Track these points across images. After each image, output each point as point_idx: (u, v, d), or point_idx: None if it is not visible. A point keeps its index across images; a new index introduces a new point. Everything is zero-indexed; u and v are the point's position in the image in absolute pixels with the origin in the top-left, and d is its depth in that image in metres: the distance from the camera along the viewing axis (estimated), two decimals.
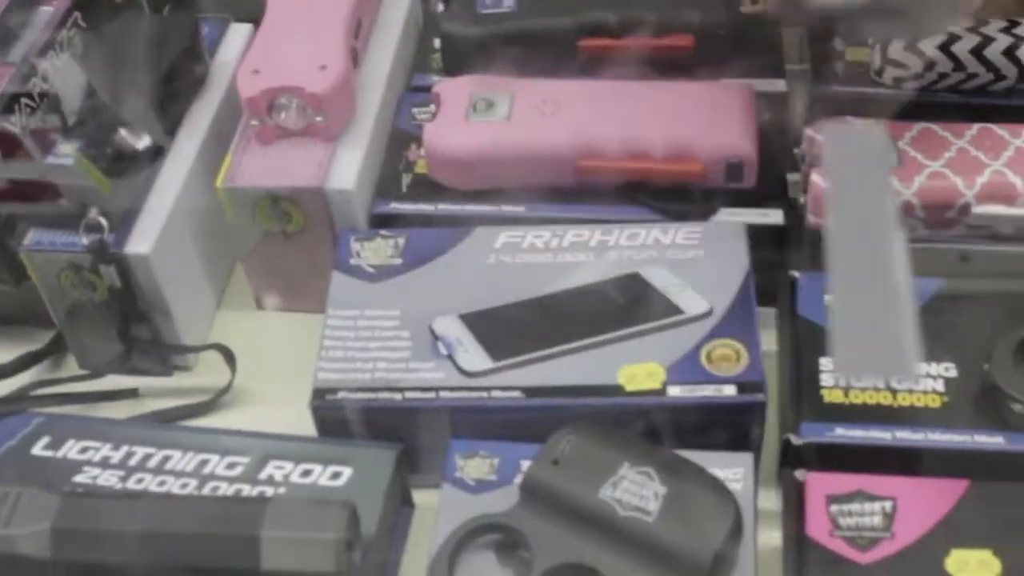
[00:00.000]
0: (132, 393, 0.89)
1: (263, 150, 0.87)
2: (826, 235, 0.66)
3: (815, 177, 0.79)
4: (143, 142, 0.89)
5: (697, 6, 0.93)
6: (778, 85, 0.91)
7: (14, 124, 0.88)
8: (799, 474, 0.70)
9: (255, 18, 0.94)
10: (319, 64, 0.86)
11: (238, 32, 0.98)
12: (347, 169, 0.85)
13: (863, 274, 0.57)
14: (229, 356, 0.86)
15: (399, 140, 0.91)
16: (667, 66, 0.91)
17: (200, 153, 0.90)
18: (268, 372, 0.88)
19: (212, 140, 0.91)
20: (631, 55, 0.91)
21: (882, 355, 0.58)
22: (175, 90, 0.91)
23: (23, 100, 0.89)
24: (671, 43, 0.92)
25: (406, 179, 0.88)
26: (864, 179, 0.59)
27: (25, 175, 0.85)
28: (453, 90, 0.88)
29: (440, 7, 0.96)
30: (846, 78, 0.91)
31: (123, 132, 0.90)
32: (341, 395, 0.76)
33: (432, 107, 0.88)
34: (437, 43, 0.96)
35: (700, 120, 0.84)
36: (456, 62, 0.94)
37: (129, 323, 0.86)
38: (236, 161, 0.87)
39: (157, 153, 0.89)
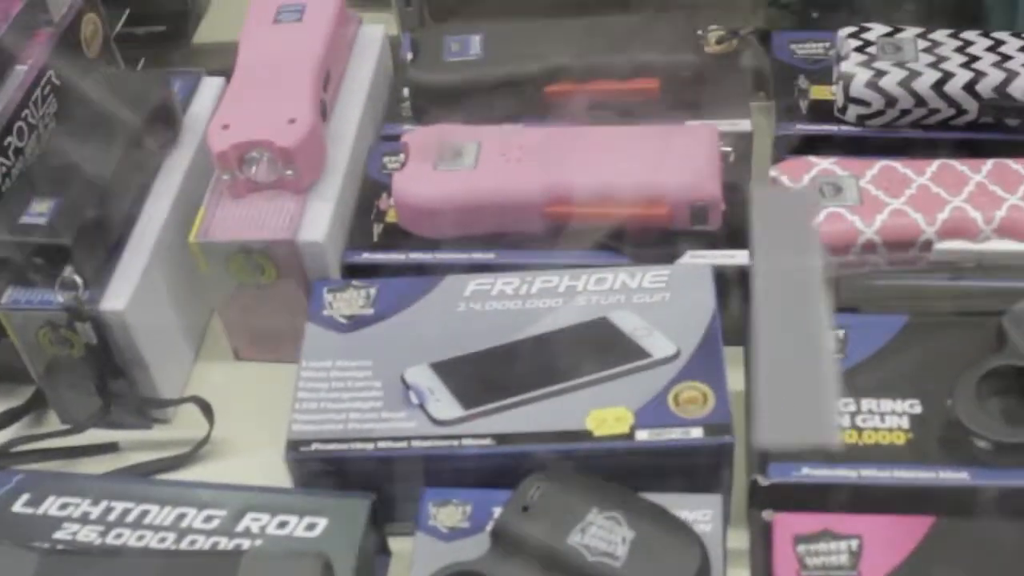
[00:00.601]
0: (112, 448, 0.89)
1: (235, 204, 0.88)
2: (751, 300, 0.67)
3: None
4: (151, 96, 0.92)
5: (662, 49, 0.94)
6: (743, 125, 0.92)
7: None
8: (766, 515, 0.71)
9: (229, 70, 0.95)
10: (288, 118, 0.87)
11: (210, 85, 0.99)
12: (318, 221, 0.86)
13: (786, 341, 0.58)
14: (207, 409, 0.87)
15: (370, 189, 0.92)
16: (633, 109, 0.93)
17: (174, 207, 0.91)
18: (246, 422, 0.89)
19: (186, 194, 0.92)
20: (597, 100, 0.92)
21: (803, 426, 0.58)
22: (148, 145, 0.93)
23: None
24: (637, 87, 0.93)
25: (377, 228, 0.89)
26: (790, 243, 0.59)
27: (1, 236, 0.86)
28: (421, 140, 0.89)
29: (409, 56, 0.97)
30: (810, 116, 0.92)
31: (130, 88, 0.94)
32: (315, 447, 0.77)
33: (402, 156, 0.89)
34: (406, 92, 0.97)
35: (665, 164, 0.85)
36: (425, 110, 0.95)
37: (107, 378, 0.87)
38: (209, 215, 0.88)
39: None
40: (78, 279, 0.85)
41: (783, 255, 0.60)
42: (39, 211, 0.86)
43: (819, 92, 0.93)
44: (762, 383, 0.61)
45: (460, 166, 0.87)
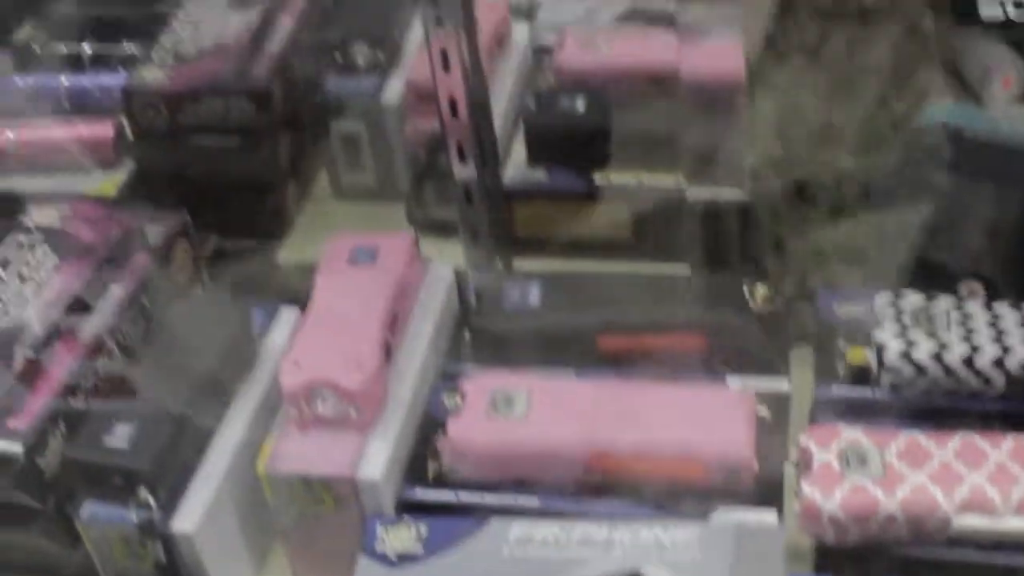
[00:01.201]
0: None
1: (301, 436, 0.95)
2: None
3: (804, 487, 0.85)
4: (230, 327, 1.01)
5: (710, 305, 1.00)
6: (782, 385, 0.97)
7: (79, 401, 0.97)
8: None
9: (308, 289, 1.03)
10: (354, 360, 0.94)
11: (288, 316, 1.06)
12: (376, 459, 0.92)
13: None
14: None
15: (429, 425, 0.98)
16: (679, 361, 0.98)
17: (246, 433, 0.97)
18: None
19: (258, 421, 0.98)
20: (646, 352, 0.98)
21: None
22: (226, 371, 1.00)
23: (90, 376, 0.98)
24: (683, 343, 0.99)
25: (432, 466, 0.95)
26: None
27: (85, 456, 0.93)
28: (476, 387, 0.95)
29: (473, 300, 1.04)
30: (847, 380, 0.97)
31: (211, 316, 1.02)
32: None
33: (458, 399, 0.96)
34: (468, 335, 1.03)
35: (702, 426, 0.90)
36: (485, 354, 1.02)
37: None
38: (276, 445, 0.94)
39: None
40: (152, 500, 0.91)
41: None
42: (121, 434, 0.93)
43: (856, 355, 0.98)
44: None
45: (511, 415, 0.93)
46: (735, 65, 1.05)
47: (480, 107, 1.07)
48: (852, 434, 0.89)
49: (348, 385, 0.92)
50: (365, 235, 1.05)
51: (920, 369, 0.93)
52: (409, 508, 0.93)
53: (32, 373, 0.97)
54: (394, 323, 0.99)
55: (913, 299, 0.97)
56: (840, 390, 0.96)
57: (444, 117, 1.05)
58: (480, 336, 1.02)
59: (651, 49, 1.22)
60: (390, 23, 1.28)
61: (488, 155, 1.10)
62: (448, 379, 1.01)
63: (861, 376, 0.97)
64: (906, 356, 0.93)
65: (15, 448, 0.92)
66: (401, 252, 1.03)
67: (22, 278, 1.04)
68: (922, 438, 0.89)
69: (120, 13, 1.44)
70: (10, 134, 1.35)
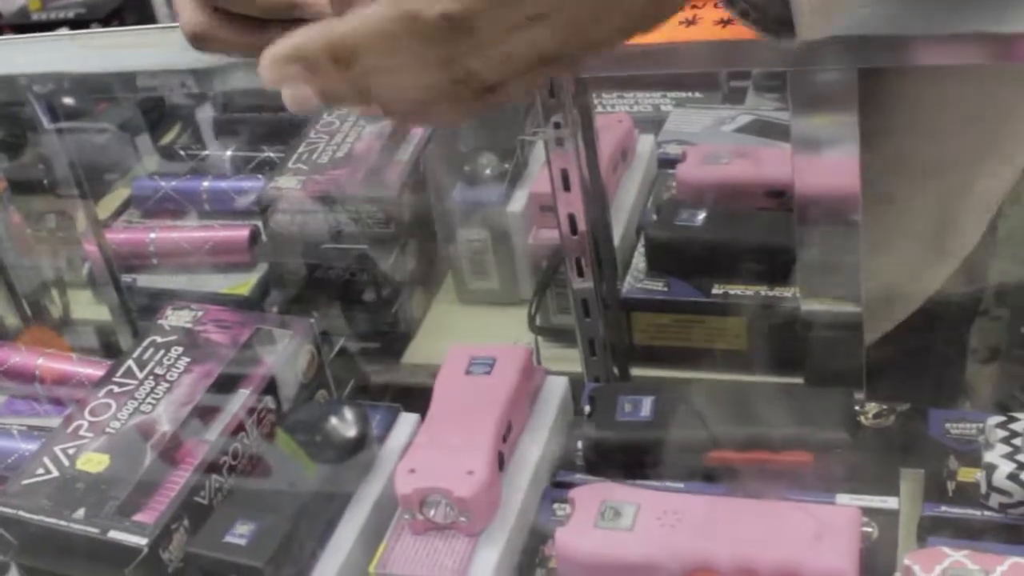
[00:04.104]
0: None
1: (413, 539, 0.97)
2: None
3: None
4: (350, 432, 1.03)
5: (821, 421, 1.01)
6: (891, 503, 0.97)
7: (203, 498, 1.01)
8: None
9: (429, 390, 1.06)
10: (467, 469, 0.96)
11: (407, 421, 1.09)
12: (485, 565, 0.95)
13: None
14: None
15: (538, 534, 1.00)
16: (788, 476, 0.99)
17: (360, 535, 1.00)
18: None
19: (373, 523, 1.01)
20: (753, 467, 0.99)
21: None
22: (344, 474, 1.03)
23: (214, 476, 1.02)
24: (792, 459, 0.99)
25: (541, 573, 0.97)
26: None
27: (205, 551, 0.97)
28: (585, 497, 0.97)
29: (586, 410, 1.06)
30: (956, 498, 0.97)
31: (333, 421, 1.03)
32: None
33: (568, 508, 0.98)
34: (580, 444, 1.05)
35: (806, 541, 0.91)
36: (596, 463, 1.04)
37: None
38: (389, 548, 0.97)
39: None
40: None
41: None
42: (240, 532, 0.97)
43: (966, 474, 0.98)
44: None
45: (618, 527, 0.94)
46: (851, 178, 1.06)
47: (599, 224, 1.09)
48: (956, 557, 0.89)
49: (460, 494, 0.95)
50: (483, 346, 1.08)
51: None
52: None
53: (160, 470, 1.01)
54: (508, 433, 1.02)
55: None
56: (949, 510, 0.97)
57: (563, 234, 1.08)
58: (592, 446, 1.04)
59: (769, 163, 1.24)
60: (516, 135, 1.32)
61: (607, 269, 1.12)
62: (559, 488, 1.04)
63: (971, 496, 0.97)
64: (1015, 478, 0.93)
65: (140, 541, 0.95)
66: (517, 363, 1.06)
67: (155, 378, 1.08)
68: None
69: (260, 121, 1.50)
70: (152, 234, 1.41)
